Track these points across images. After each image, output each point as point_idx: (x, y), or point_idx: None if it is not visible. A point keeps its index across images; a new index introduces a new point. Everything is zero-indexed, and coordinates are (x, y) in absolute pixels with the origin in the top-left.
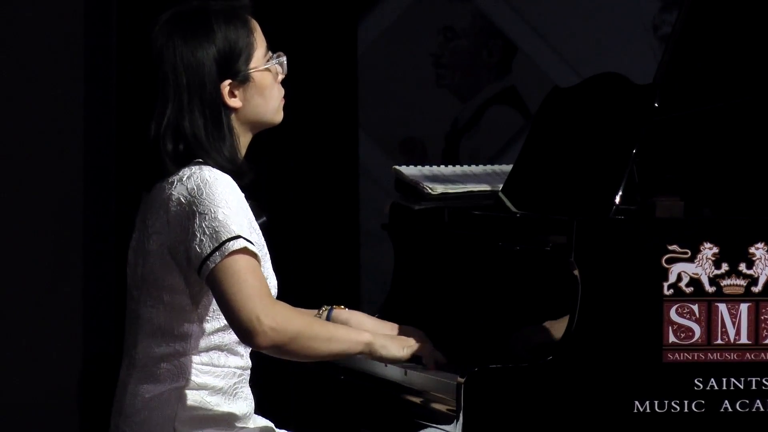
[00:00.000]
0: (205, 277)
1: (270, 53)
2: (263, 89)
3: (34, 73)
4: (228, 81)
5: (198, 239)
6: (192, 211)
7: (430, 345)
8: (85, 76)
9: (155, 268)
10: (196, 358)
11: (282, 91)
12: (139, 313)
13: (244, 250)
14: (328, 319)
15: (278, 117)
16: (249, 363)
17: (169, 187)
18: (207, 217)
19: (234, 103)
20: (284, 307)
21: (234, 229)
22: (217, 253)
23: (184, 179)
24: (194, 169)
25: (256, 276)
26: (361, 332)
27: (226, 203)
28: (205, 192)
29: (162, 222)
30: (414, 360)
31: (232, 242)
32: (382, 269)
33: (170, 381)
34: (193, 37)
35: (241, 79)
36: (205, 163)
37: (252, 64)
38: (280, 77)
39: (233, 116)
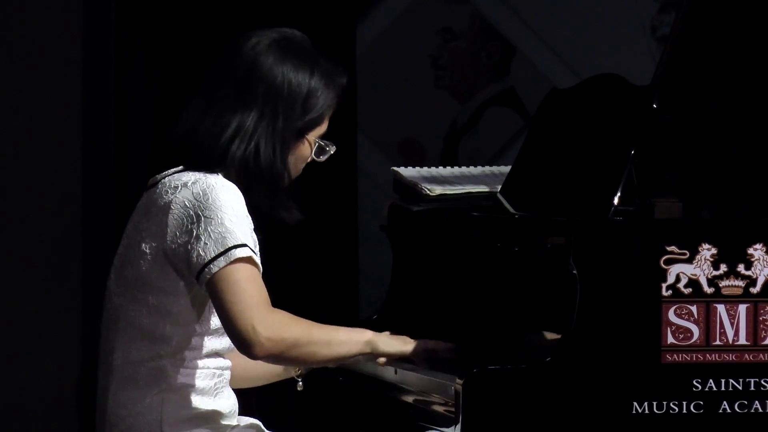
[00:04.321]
0: (205, 281)
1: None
2: (299, 157)
3: (32, 74)
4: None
5: (202, 242)
6: (197, 214)
7: (433, 341)
8: (83, 76)
9: (146, 270)
10: (176, 361)
11: (300, 172)
12: (120, 317)
13: (249, 259)
14: None
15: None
16: (229, 363)
17: (172, 191)
18: (213, 222)
19: None
20: (282, 316)
21: (240, 237)
22: (222, 258)
23: (189, 184)
24: (199, 175)
25: (257, 285)
26: (361, 331)
27: (232, 210)
28: (212, 197)
29: (159, 224)
30: (424, 354)
31: (238, 249)
32: (381, 271)
33: (151, 385)
34: (301, 68)
35: (297, 132)
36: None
37: (312, 132)
38: (310, 159)
39: None
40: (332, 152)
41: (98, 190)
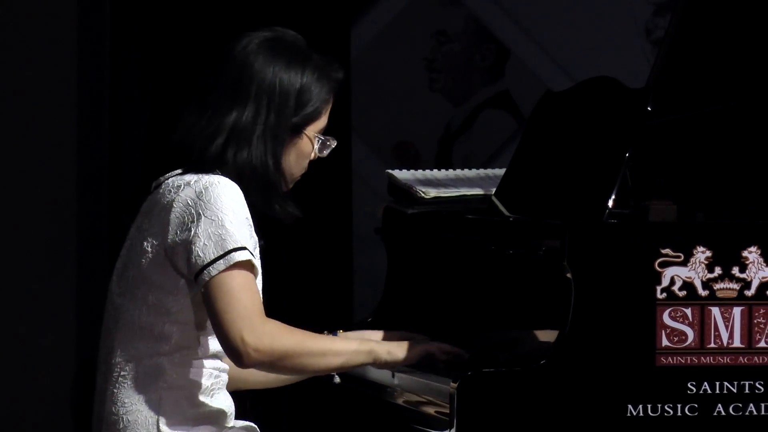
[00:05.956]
0: (202, 283)
1: (324, 132)
2: (300, 153)
3: (27, 77)
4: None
5: (202, 243)
6: (198, 213)
7: (436, 343)
8: (78, 79)
9: (147, 268)
10: (174, 359)
11: (306, 168)
12: (120, 317)
13: (247, 264)
14: None
15: (289, 186)
16: (227, 366)
17: (175, 190)
18: (213, 223)
19: None
20: (274, 327)
21: (239, 239)
22: (221, 261)
23: (192, 183)
24: (201, 174)
25: (251, 293)
26: (363, 341)
27: (233, 211)
28: (213, 196)
29: (161, 223)
30: (426, 360)
31: (237, 253)
32: (376, 273)
33: (150, 383)
34: (292, 65)
35: (293, 128)
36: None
37: (309, 127)
38: (315, 156)
39: None
40: (333, 146)
41: (93, 192)
